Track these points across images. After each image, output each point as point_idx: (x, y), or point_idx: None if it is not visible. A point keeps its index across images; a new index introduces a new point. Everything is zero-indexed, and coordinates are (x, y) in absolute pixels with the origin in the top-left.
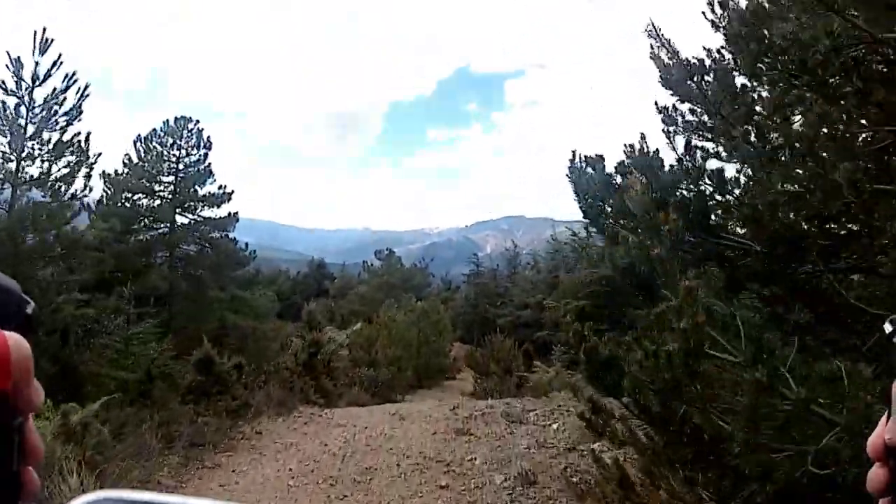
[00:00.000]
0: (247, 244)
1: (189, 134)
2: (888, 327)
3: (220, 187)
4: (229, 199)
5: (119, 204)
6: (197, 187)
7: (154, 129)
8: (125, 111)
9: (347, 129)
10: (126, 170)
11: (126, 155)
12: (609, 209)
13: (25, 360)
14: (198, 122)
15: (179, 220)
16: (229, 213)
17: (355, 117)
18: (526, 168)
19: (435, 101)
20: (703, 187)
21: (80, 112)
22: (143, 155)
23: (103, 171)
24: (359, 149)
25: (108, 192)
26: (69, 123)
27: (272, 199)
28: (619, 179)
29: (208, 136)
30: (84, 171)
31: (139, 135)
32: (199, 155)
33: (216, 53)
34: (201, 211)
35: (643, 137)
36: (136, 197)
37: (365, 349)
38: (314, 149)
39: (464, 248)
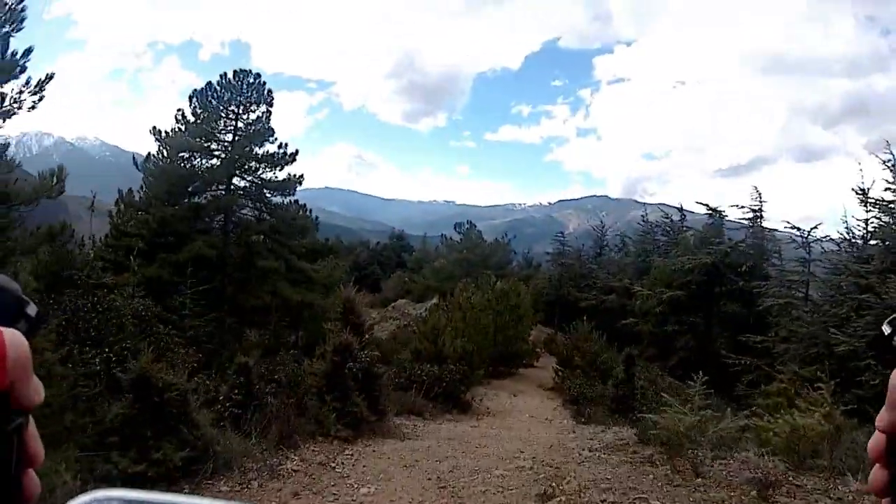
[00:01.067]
0: (310, 210)
1: (249, 89)
2: (886, 329)
3: (280, 146)
4: (293, 161)
5: (171, 162)
6: (256, 147)
7: (209, 83)
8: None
9: (434, 101)
10: (180, 126)
11: (179, 111)
12: None
13: (24, 358)
14: (258, 76)
15: (237, 182)
16: (291, 176)
17: (442, 89)
18: (611, 148)
19: (521, 74)
20: None
21: None
22: (198, 111)
23: (154, 127)
24: (444, 121)
25: (164, 150)
26: None
27: (357, 168)
28: None
29: (269, 91)
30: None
31: (195, 89)
32: (261, 112)
33: (303, 20)
34: (262, 173)
35: None
36: (190, 156)
37: (430, 340)
38: (400, 119)
39: (546, 226)
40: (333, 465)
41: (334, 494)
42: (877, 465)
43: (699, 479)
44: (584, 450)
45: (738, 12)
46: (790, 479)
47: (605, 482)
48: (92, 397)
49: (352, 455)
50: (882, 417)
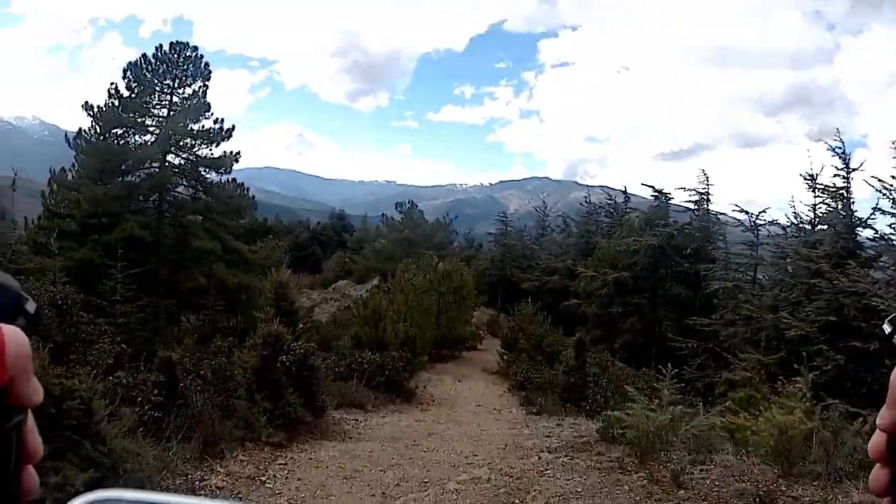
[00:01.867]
0: (249, 189)
1: (186, 62)
2: (887, 328)
3: (215, 121)
4: (229, 137)
5: (104, 139)
6: (191, 123)
7: (144, 55)
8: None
9: (377, 81)
10: (113, 101)
11: (112, 84)
12: None
13: (24, 355)
14: (196, 48)
15: (171, 159)
16: (227, 153)
17: (385, 69)
18: (553, 130)
19: (465, 56)
20: None
21: None
22: (133, 85)
23: (87, 102)
24: (387, 101)
25: (97, 126)
26: None
27: (298, 148)
28: None
29: (206, 64)
30: None
31: (129, 62)
32: (197, 87)
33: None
34: (197, 149)
35: None
36: (124, 132)
37: (371, 325)
38: (343, 98)
39: (488, 207)
40: (264, 478)
41: None
42: (878, 464)
43: (682, 491)
44: (542, 451)
45: (687, 2)
46: (782, 488)
47: (574, 496)
48: None
49: (285, 465)
50: (883, 416)
